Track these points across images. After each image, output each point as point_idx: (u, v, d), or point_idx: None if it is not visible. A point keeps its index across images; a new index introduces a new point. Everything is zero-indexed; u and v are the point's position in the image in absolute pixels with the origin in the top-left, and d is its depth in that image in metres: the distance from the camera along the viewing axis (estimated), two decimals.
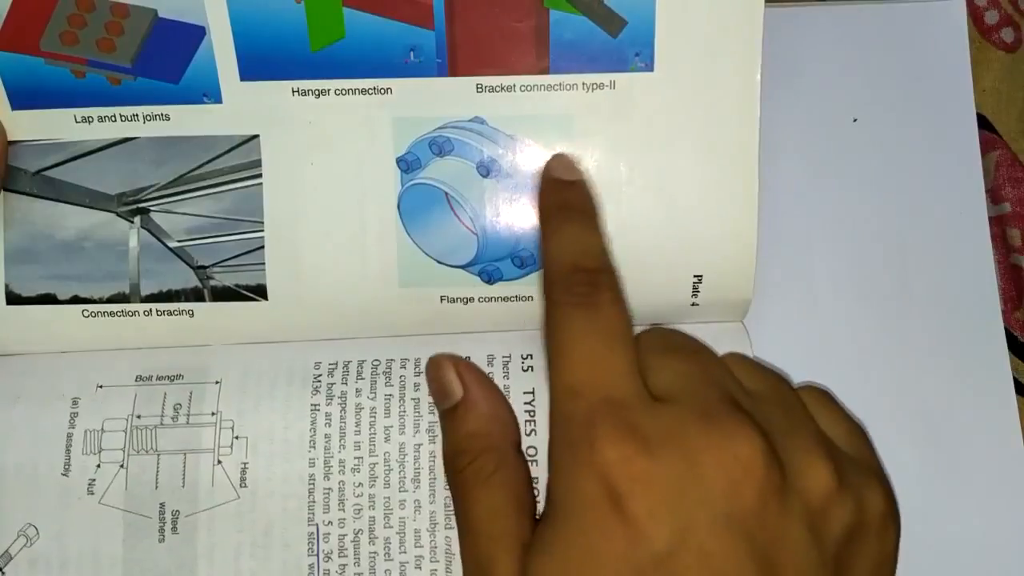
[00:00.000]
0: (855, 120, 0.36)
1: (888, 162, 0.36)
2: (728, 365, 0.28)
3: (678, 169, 0.32)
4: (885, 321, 0.35)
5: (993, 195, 0.37)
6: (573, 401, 0.26)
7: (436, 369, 0.30)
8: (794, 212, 0.36)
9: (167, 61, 0.31)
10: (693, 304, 0.33)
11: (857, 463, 0.27)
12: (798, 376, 0.34)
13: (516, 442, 0.29)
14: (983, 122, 0.37)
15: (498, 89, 0.32)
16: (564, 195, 0.31)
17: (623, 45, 0.31)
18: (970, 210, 0.36)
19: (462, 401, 0.29)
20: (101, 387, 0.32)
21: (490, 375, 0.33)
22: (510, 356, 0.33)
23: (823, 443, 0.26)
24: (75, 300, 0.33)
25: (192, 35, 0.31)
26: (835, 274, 0.35)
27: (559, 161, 0.32)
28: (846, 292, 0.35)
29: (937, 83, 0.36)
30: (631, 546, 0.23)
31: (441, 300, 0.33)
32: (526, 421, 0.32)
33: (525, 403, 0.32)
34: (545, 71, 0.31)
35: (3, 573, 0.30)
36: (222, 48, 0.31)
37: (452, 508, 0.30)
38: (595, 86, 0.32)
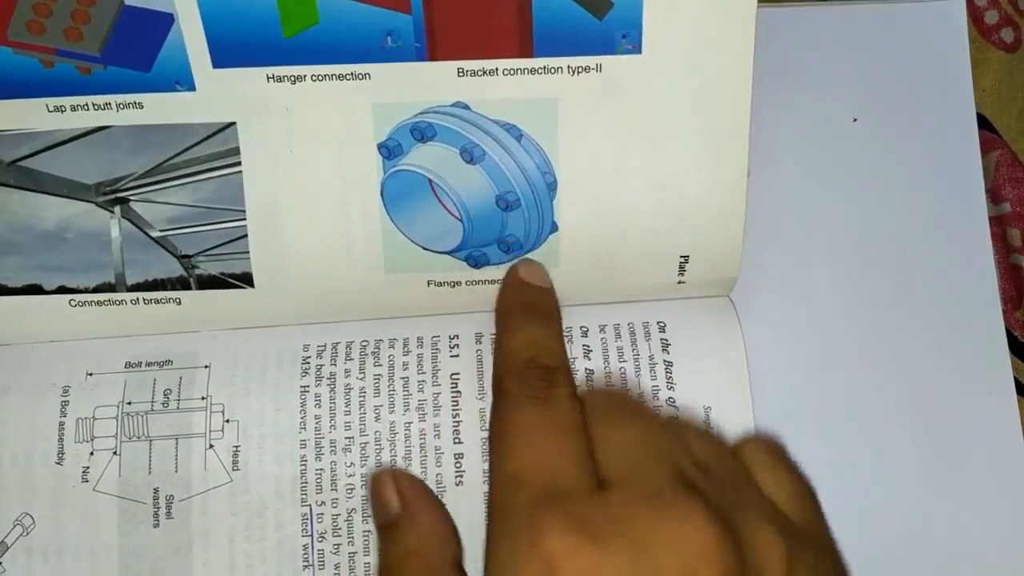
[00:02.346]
0: (855, 120, 0.35)
1: (888, 162, 0.35)
2: (673, 430, 0.26)
3: (667, 152, 0.31)
4: (885, 321, 0.35)
5: (993, 195, 0.36)
6: (515, 490, 0.24)
7: (376, 483, 0.28)
8: (794, 212, 0.35)
9: (136, 49, 0.30)
10: (679, 282, 0.33)
11: (807, 534, 0.25)
12: (799, 378, 0.34)
13: (455, 560, 0.27)
14: (983, 122, 0.36)
15: (480, 73, 0.30)
16: (531, 296, 0.30)
17: (609, 27, 0.30)
18: (970, 210, 0.35)
19: (400, 517, 0.27)
20: (91, 375, 0.32)
21: (479, 352, 0.33)
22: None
23: (775, 518, 0.24)
24: (61, 290, 0.33)
25: (160, 22, 0.30)
26: (835, 274, 0.35)
27: (529, 267, 0.31)
28: (846, 292, 0.35)
29: (937, 83, 0.36)
30: None
31: (428, 284, 0.33)
32: None
33: None
34: (529, 54, 0.30)
35: (0, 563, 0.31)
36: (192, 35, 0.30)
37: (444, 484, 0.31)
38: (581, 69, 0.30)
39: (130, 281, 0.33)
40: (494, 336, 0.30)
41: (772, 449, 0.27)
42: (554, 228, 0.32)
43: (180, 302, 0.33)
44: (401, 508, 0.27)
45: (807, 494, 0.26)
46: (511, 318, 0.30)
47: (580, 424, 0.25)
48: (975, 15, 0.36)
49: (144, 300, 0.33)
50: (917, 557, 0.33)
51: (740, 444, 0.27)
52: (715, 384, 0.32)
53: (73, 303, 0.33)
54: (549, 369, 0.27)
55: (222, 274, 0.32)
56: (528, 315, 0.29)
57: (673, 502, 0.23)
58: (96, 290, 0.33)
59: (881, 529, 0.33)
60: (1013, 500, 0.34)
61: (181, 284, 0.33)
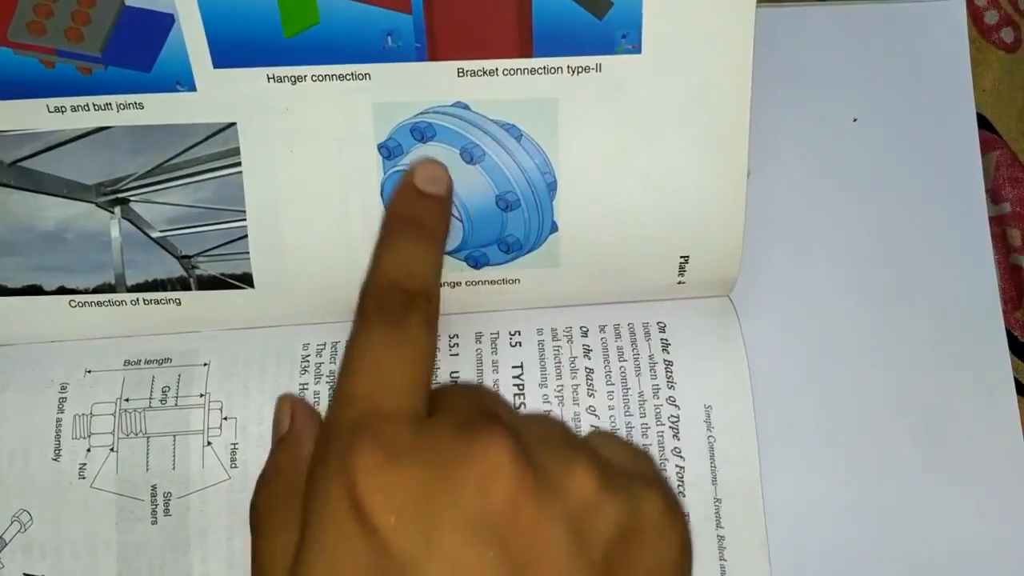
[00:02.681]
0: (855, 120, 0.35)
1: (888, 162, 0.36)
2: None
3: (667, 152, 0.31)
4: (885, 321, 0.35)
5: (993, 195, 0.36)
6: (343, 409, 0.25)
7: (277, 403, 0.30)
8: (794, 212, 0.35)
9: (137, 50, 0.30)
10: (679, 283, 0.33)
11: (631, 473, 0.26)
12: (800, 377, 0.34)
13: None
14: (983, 122, 0.36)
15: (480, 73, 0.31)
16: (415, 208, 0.29)
17: (609, 27, 0.30)
18: (970, 210, 0.35)
19: (285, 436, 0.28)
20: (89, 372, 0.32)
21: (478, 351, 0.33)
22: (498, 333, 0.33)
23: (588, 454, 0.25)
24: (61, 291, 0.33)
25: (161, 23, 0.30)
26: (835, 274, 0.35)
27: (424, 170, 0.30)
28: (846, 292, 0.35)
29: (937, 83, 0.36)
30: (376, 557, 0.23)
31: None
32: (515, 395, 0.32)
33: (514, 377, 0.32)
34: (529, 54, 0.30)
35: None
36: (193, 35, 0.30)
37: None
38: (580, 69, 0.30)
39: (130, 282, 0.33)
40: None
41: (614, 434, 0.28)
42: (554, 228, 0.32)
43: (180, 302, 0.33)
44: (288, 428, 0.28)
45: (645, 455, 0.27)
46: (392, 230, 0.29)
47: (424, 355, 0.26)
48: (975, 15, 0.36)
49: (144, 301, 0.33)
50: (917, 557, 0.33)
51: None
52: (715, 384, 0.32)
53: (73, 304, 0.33)
54: (409, 295, 0.27)
55: (222, 274, 0.32)
56: (409, 230, 0.29)
57: (476, 428, 0.24)
58: (96, 291, 0.33)
59: (881, 529, 0.33)
60: (1013, 500, 0.33)
61: (181, 284, 0.33)
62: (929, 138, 0.36)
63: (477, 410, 0.25)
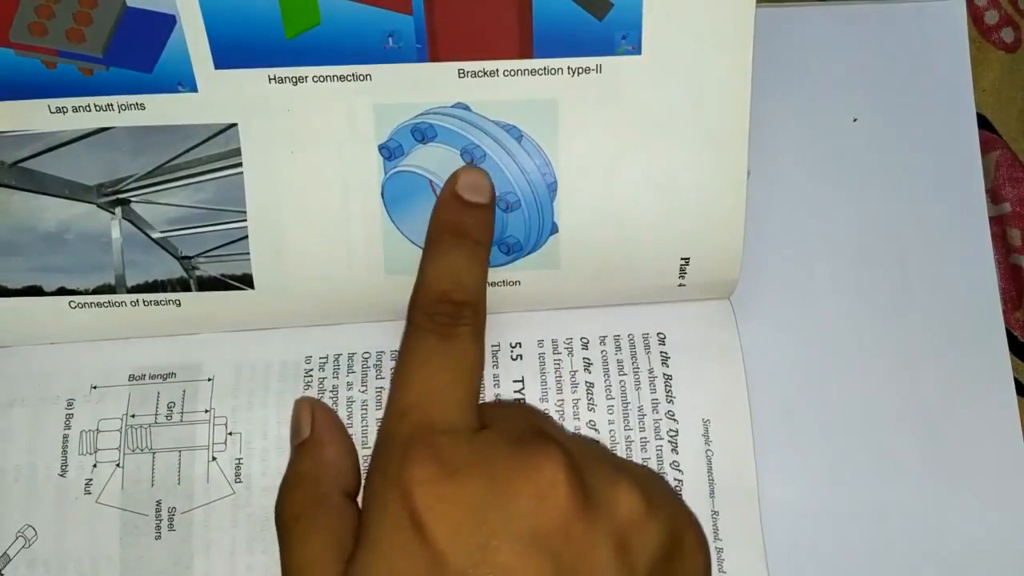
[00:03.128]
0: (855, 120, 0.35)
1: (888, 162, 0.35)
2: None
3: (667, 153, 0.31)
4: (885, 321, 0.35)
5: (993, 195, 0.36)
6: (399, 422, 0.26)
7: (295, 407, 0.31)
8: (794, 212, 0.35)
9: (138, 50, 0.30)
10: (680, 285, 0.33)
11: (664, 492, 0.27)
12: (799, 377, 0.34)
13: (348, 490, 0.29)
14: (983, 122, 0.36)
15: (481, 74, 0.31)
16: (461, 217, 0.30)
17: (609, 28, 0.30)
18: (970, 210, 0.35)
19: (306, 441, 0.29)
20: (95, 388, 0.32)
21: None
22: (499, 345, 0.33)
23: (630, 475, 0.26)
24: (61, 292, 0.33)
25: (163, 23, 0.30)
26: (835, 274, 0.35)
27: (467, 178, 0.31)
28: (846, 292, 0.35)
29: (937, 83, 0.36)
30: (432, 567, 0.23)
31: None
32: None
33: (515, 392, 0.32)
34: (529, 55, 0.30)
35: (2, 575, 0.31)
36: (194, 36, 0.30)
37: None
38: (581, 70, 0.31)
39: (130, 283, 0.33)
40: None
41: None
42: (554, 229, 0.32)
43: (180, 304, 0.33)
44: (309, 433, 0.29)
45: (660, 477, 0.30)
46: (439, 241, 0.30)
47: (473, 366, 0.28)
48: (975, 15, 0.36)
49: (144, 302, 0.33)
50: (917, 557, 0.33)
51: None
52: (714, 398, 0.33)
53: (73, 305, 0.33)
54: (458, 305, 0.28)
55: (222, 275, 0.32)
56: (455, 240, 0.30)
57: (532, 443, 0.25)
58: (96, 291, 0.33)
59: (881, 529, 0.33)
60: (1013, 500, 0.33)
61: (181, 285, 0.33)
62: (929, 138, 0.36)
63: (528, 426, 0.26)
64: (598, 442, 0.29)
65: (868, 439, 0.34)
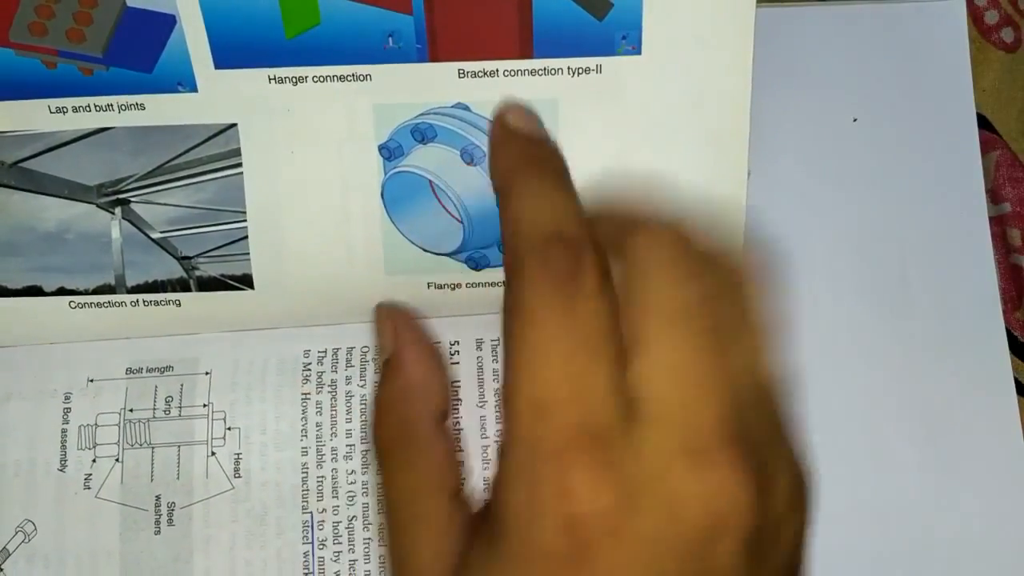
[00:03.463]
0: (855, 120, 0.35)
1: (888, 162, 0.35)
2: (729, 337, 0.23)
3: (667, 152, 0.31)
4: (885, 321, 0.35)
5: (993, 195, 0.36)
6: (541, 422, 0.21)
7: (376, 316, 0.26)
8: (794, 212, 0.35)
9: (139, 50, 0.30)
10: None
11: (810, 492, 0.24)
12: (799, 377, 0.34)
13: (439, 413, 0.25)
14: (983, 122, 0.36)
15: (481, 74, 0.31)
16: (526, 149, 0.25)
17: (609, 28, 0.30)
18: (970, 210, 0.35)
19: (391, 359, 0.25)
20: (92, 381, 0.32)
21: (479, 359, 0.33)
22: (498, 339, 0.33)
23: (792, 464, 0.23)
24: (61, 292, 0.33)
25: (163, 23, 0.30)
26: (835, 274, 0.35)
27: (516, 111, 0.25)
28: (846, 292, 0.35)
29: (937, 83, 0.36)
30: None
31: (428, 286, 0.33)
32: None
33: None
34: (529, 55, 0.30)
35: (2, 570, 0.31)
36: (194, 36, 0.30)
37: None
38: (581, 70, 0.31)
39: (130, 283, 0.33)
40: (498, 204, 0.24)
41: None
42: None
43: (180, 304, 0.33)
44: (393, 351, 0.26)
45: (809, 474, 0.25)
46: (516, 177, 0.23)
47: (613, 329, 0.22)
48: (975, 15, 0.36)
49: (144, 302, 0.33)
50: (917, 557, 0.33)
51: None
52: None
53: (73, 305, 0.33)
54: (575, 245, 0.22)
55: (222, 275, 0.32)
56: (538, 171, 0.23)
57: (714, 461, 0.21)
58: (96, 292, 0.33)
59: (881, 529, 0.33)
60: (1013, 500, 0.33)
61: (181, 286, 0.33)
62: (929, 138, 0.36)
63: (710, 423, 0.21)
64: (773, 372, 0.23)
65: (868, 439, 0.34)
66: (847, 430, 0.34)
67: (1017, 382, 0.34)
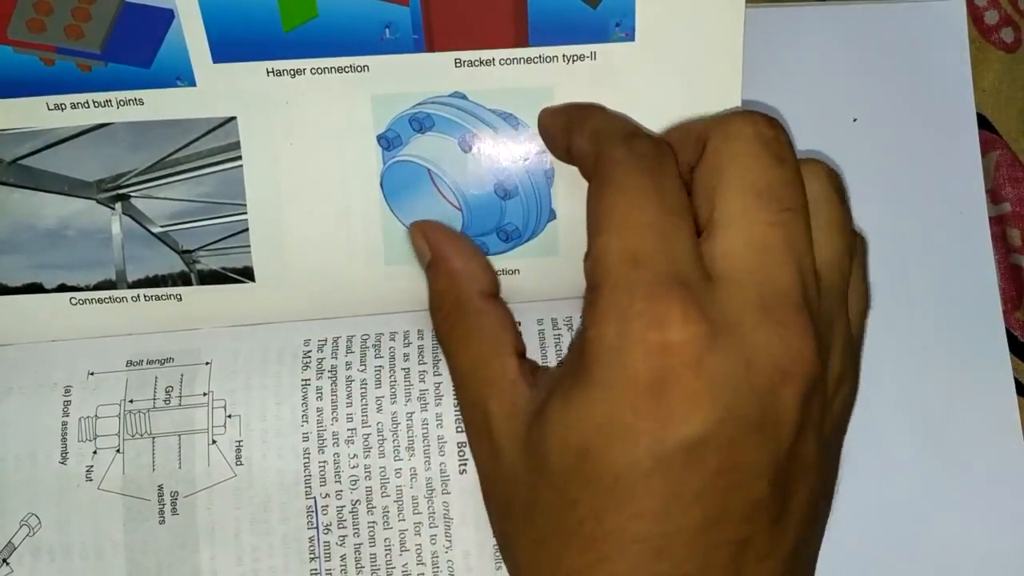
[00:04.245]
0: (855, 120, 0.35)
1: (888, 162, 0.35)
2: (802, 221, 0.25)
3: None
4: (885, 321, 0.34)
5: (993, 195, 0.36)
6: (635, 270, 0.23)
7: (411, 235, 0.32)
8: None
9: (137, 46, 0.30)
10: None
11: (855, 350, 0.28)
12: None
13: (487, 290, 0.30)
14: (983, 122, 0.36)
15: (477, 63, 0.31)
16: (583, 106, 0.30)
17: (603, 15, 0.30)
18: (970, 210, 0.35)
19: (432, 261, 0.30)
20: (92, 374, 0.32)
21: None
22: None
23: (848, 341, 0.26)
24: (62, 288, 0.33)
25: (161, 18, 0.30)
26: None
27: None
28: None
29: (937, 83, 0.36)
30: (662, 428, 0.23)
31: None
32: None
33: None
34: (524, 44, 0.31)
35: (7, 564, 0.31)
36: (192, 31, 0.30)
37: (448, 473, 0.31)
38: (575, 57, 0.31)
39: (131, 278, 0.33)
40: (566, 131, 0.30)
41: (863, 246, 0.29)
42: (552, 216, 0.33)
43: (181, 298, 0.33)
44: (431, 254, 0.30)
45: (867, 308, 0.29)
46: (581, 109, 0.30)
47: (690, 208, 0.25)
48: (975, 15, 0.36)
49: (145, 297, 0.33)
50: (917, 557, 0.33)
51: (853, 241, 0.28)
52: None
53: (74, 301, 0.33)
54: (656, 139, 0.26)
55: (223, 269, 0.33)
56: (598, 105, 0.30)
57: (785, 319, 0.23)
58: (97, 288, 0.33)
59: (881, 529, 0.33)
60: (1013, 500, 0.33)
61: (182, 280, 0.33)
62: (929, 138, 0.35)
63: (784, 287, 0.24)
64: (843, 254, 0.27)
65: (868, 439, 0.34)
66: (847, 430, 0.34)
67: (1017, 382, 0.35)
